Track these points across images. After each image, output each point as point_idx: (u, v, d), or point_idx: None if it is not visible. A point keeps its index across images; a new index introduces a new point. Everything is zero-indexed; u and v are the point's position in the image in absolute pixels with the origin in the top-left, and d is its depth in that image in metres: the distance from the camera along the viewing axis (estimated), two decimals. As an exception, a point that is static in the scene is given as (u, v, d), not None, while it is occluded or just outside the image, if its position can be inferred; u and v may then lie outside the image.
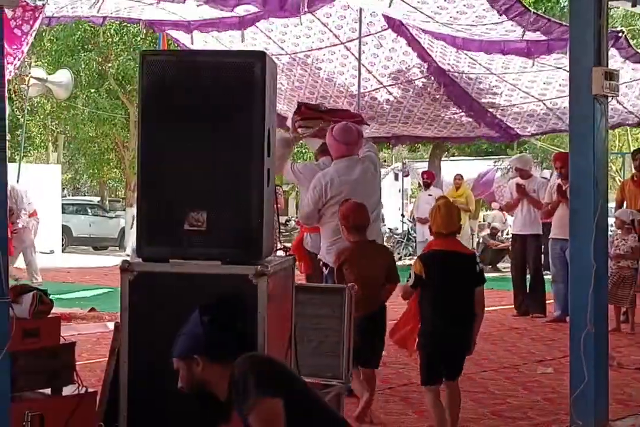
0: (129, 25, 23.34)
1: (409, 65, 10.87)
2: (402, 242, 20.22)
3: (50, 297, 3.84)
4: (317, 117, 6.50)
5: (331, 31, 10.18)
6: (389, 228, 19.45)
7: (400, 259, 19.75)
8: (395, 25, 9.86)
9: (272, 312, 3.49)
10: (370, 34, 10.13)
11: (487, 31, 8.13)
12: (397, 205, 23.66)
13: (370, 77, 11.08)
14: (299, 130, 6.52)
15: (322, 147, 6.46)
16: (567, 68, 4.62)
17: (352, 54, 10.34)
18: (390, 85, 11.33)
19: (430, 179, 16.21)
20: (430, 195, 15.80)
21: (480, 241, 18.66)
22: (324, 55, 10.72)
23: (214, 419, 3.25)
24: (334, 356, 4.93)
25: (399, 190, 24.43)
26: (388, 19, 9.72)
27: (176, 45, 11.24)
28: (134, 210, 19.28)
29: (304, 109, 6.57)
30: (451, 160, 25.79)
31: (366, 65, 10.67)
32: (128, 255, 19.63)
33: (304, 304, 4.89)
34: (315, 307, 5.00)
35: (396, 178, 25.47)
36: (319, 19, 9.89)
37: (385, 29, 10.10)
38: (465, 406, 5.61)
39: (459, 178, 15.49)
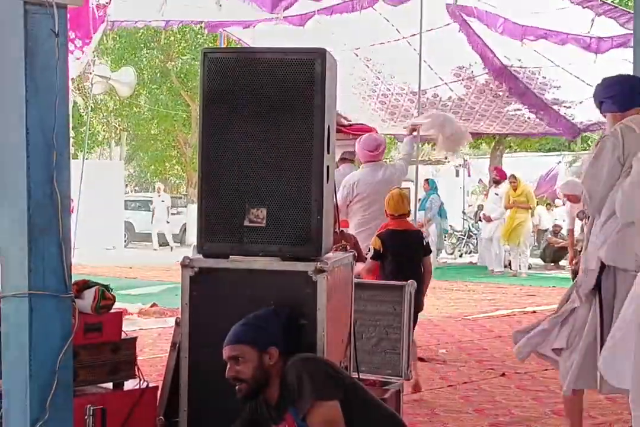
0: (191, 24, 23.57)
1: (470, 62, 10.80)
2: (462, 239, 20.05)
3: (113, 292, 3.88)
4: (339, 130, 7.43)
5: (393, 26, 10.15)
6: (450, 225, 19.32)
7: (461, 256, 19.61)
8: (458, 21, 9.80)
9: (332, 309, 3.48)
10: (431, 29, 10.08)
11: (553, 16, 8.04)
12: (458, 202, 23.47)
13: (432, 74, 11.02)
14: None
15: (342, 155, 7.58)
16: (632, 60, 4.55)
17: (414, 50, 10.30)
18: (451, 82, 11.27)
19: (500, 176, 15.80)
20: (496, 194, 15.51)
21: (542, 238, 18.44)
22: (386, 50, 10.69)
23: (268, 419, 3.25)
24: (394, 353, 4.92)
25: (460, 187, 24.23)
26: (451, 15, 9.65)
27: (237, 43, 11.30)
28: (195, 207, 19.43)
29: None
30: (513, 156, 25.52)
31: (427, 61, 10.62)
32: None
33: (363, 300, 4.88)
34: (375, 304, 4.99)
35: (457, 174, 25.24)
36: (380, 14, 9.88)
37: (447, 25, 10.05)
38: (526, 404, 5.56)
39: (513, 180, 15.11)
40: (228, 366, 3.20)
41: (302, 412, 3.01)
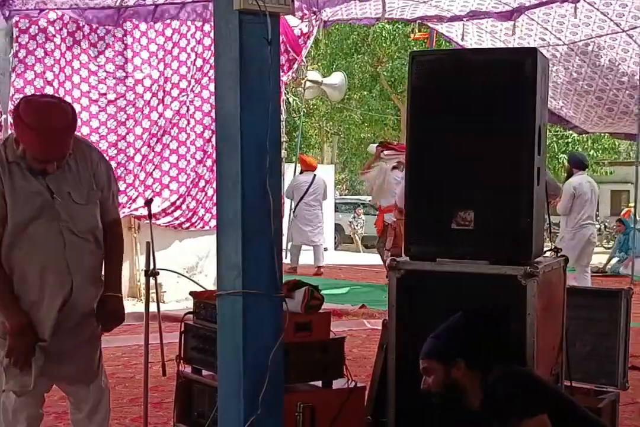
0: (400, 27, 23.73)
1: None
2: None
3: (322, 293, 3.95)
4: (391, 147, 11.64)
5: (611, 20, 9.77)
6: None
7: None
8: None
9: (542, 315, 3.39)
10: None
11: None
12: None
13: (654, 67, 10.52)
14: (382, 154, 11.52)
15: (394, 165, 11.11)
16: None
17: (635, 42, 9.86)
18: (676, 76, 10.69)
19: None
20: None
21: None
22: (605, 42, 10.30)
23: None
24: (609, 361, 4.74)
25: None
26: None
27: (448, 44, 11.25)
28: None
29: (386, 146, 11.90)
30: None
31: (650, 54, 10.15)
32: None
33: (577, 306, 4.73)
34: (590, 310, 4.82)
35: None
36: (597, 9, 9.53)
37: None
38: None
39: None
40: (423, 379, 3.26)
41: None
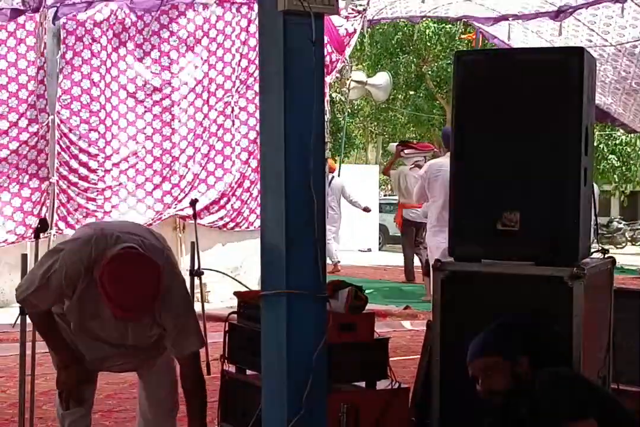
0: (446, 26, 23.63)
1: None
2: None
3: (366, 293, 3.94)
4: (411, 146, 11.77)
5: (658, 22, 9.65)
6: None
7: None
8: None
9: (589, 316, 3.35)
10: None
11: None
12: None
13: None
14: (402, 153, 11.59)
15: (414, 163, 11.30)
16: None
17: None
18: None
19: None
20: None
21: None
22: (651, 44, 10.18)
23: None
24: (657, 364, 4.66)
25: None
26: None
27: (493, 44, 11.18)
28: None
29: (406, 145, 11.86)
30: None
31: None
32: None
33: (624, 308, 4.66)
34: (637, 312, 4.75)
35: None
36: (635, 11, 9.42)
37: None
38: None
39: None
40: (480, 381, 3.14)
41: None
